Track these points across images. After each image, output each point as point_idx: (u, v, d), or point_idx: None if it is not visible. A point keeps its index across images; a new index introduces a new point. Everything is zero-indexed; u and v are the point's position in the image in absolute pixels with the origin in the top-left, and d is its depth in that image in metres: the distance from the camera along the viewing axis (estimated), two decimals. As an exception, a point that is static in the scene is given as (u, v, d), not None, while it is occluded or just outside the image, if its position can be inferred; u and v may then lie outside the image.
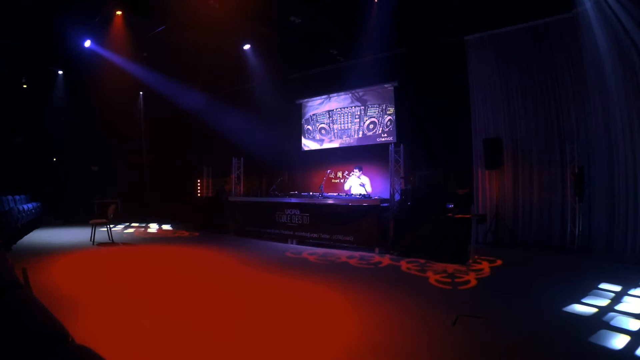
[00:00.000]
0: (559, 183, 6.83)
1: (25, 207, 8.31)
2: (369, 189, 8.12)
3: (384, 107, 9.48)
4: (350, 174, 8.29)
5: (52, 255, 6.04)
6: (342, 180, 8.50)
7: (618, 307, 3.51)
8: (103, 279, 4.69)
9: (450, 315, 3.26)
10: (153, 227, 10.11)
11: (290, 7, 7.57)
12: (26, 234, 8.40)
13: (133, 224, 10.69)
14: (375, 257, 6.12)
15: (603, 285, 4.21)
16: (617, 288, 4.11)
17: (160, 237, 8.58)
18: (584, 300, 3.71)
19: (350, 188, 8.19)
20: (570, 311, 3.44)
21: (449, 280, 4.60)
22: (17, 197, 8.93)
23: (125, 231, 9.28)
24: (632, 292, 3.96)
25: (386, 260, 5.87)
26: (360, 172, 8.17)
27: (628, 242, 5.88)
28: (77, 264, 5.49)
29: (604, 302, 3.65)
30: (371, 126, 9.69)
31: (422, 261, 5.68)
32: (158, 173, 13.50)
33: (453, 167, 8.10)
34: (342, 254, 6.37)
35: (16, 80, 10.83)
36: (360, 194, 7.42)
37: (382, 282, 4.63)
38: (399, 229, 6.36)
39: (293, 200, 7.68)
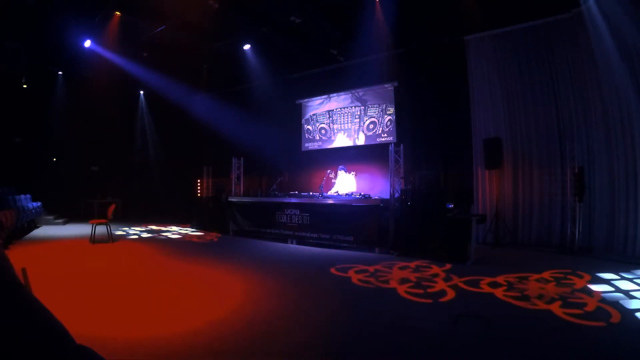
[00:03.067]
0: (559, 183, 6.83)
1: (28, 206, 8.36)
2: (354, 187, 8.27)
3: (384, 107, 9.48)
4: (334, 176, 8.46)
5: (51, 254, 6.08)
6: (332, 180, 8.64)
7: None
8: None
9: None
10: (154, 228, 10.11)
11: (290, 7, 7.57)
12: (28, 232, 8.42)
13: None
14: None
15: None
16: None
17: (158, 237, 8.57)
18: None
19: (339, 189, 8.36)
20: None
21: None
22: (20, 196, 8.96)
23: (127, 232, 9.29)
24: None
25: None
26: (346, 172, 8.39)
27: (628, 242, 5.88)
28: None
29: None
30: (371, 126, 9.69)
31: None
32: (158, 173, 13.51)
33: (453, 167, 8.12)
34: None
35: (16, 80, 10.83)
36: (350, 193, 7.55)
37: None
38: (399, 229, 6.37)
39: (293, 200, 7.68)
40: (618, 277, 4.57)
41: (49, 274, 4.73)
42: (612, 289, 4.08)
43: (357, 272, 5.03)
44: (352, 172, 8.73)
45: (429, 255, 5.83)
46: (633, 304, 3.58)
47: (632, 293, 3.93)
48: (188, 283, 4.55)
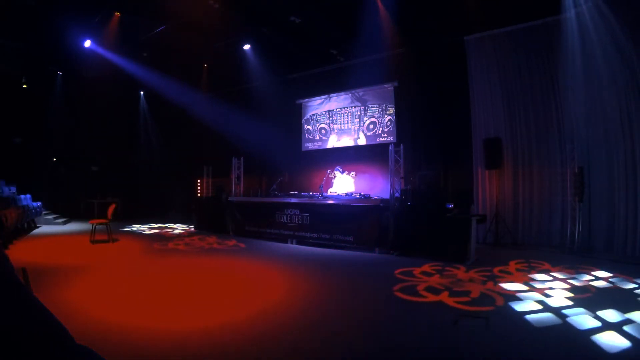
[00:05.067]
0: (559, 183, 6.83)
1: (29, 205, 8.38)
2: (352, 188, 8.31)
3: (384, 107, 9.48)
4: (334, 176, 8.48)
5: (52, 252, 6.09)
6: (332, 180, 8.67)
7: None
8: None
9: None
10: (156, 228, 10.11)
11: (290, 7, 7.57)
12: (28, 232, 8.42)
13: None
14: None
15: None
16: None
17: (158, 237, 8.57)
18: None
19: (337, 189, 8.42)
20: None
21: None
22: (20, 196, 8.98)
23: (128, 230, 9.29)
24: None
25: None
26: (342, 173, 8.43)
27: (628, 242, 5.88)
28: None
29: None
30: (371, 126, 9.69)
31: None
32: (158, 173, 13.51)
33: (453, 167, 8.13)
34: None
35: (16, 80, 10.84)
36: (350, 193, 7.57)
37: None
38: (399, 229, 6.36)
39: (293, 200, 7.67)
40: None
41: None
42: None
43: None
44: (352, 172, 8.74)
45: (429, 255, 5.82)
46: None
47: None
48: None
